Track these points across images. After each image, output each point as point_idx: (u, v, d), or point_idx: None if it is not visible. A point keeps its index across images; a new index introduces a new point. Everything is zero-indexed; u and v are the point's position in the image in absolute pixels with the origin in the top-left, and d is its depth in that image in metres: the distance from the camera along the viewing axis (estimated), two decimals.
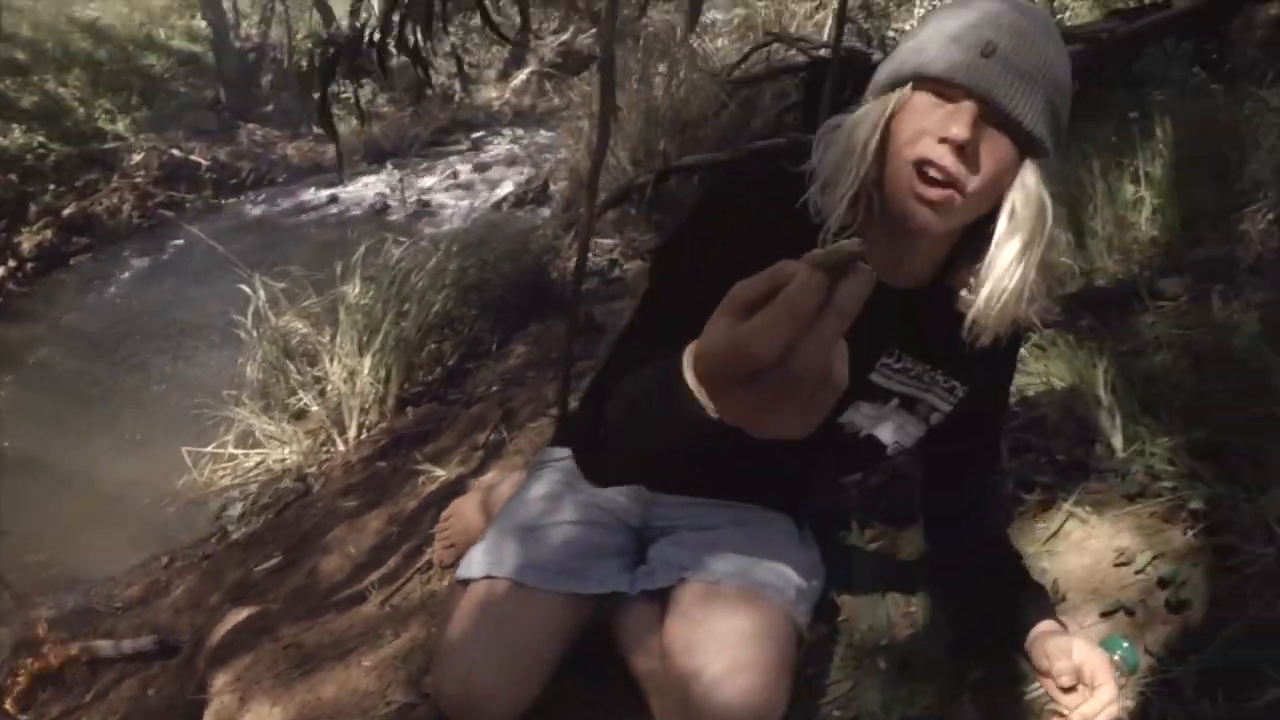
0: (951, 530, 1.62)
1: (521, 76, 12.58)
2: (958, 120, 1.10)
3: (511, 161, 10.14)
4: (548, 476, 1.73)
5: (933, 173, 1.13)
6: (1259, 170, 2.83)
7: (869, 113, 1.20)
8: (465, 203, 9.12)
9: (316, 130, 11.92)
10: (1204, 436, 1.83)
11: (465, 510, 2.29)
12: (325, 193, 10.17)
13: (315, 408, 4.13)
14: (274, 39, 13.17)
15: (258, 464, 4.09)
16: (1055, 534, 1.74)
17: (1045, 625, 1.41)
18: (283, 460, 4.01)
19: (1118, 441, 1.89)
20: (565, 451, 1.76)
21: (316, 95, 2.25)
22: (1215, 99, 3.51)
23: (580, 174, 6.65)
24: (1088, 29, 4.77)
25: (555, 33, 12.51)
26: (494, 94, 12.79)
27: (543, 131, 10.84)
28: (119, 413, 5.78)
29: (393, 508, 3.06)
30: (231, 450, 4.14)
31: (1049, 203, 1.19)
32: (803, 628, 1.52)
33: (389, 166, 10.55)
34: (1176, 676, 1.37)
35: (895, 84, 1.19)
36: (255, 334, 4.42)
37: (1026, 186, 1.18)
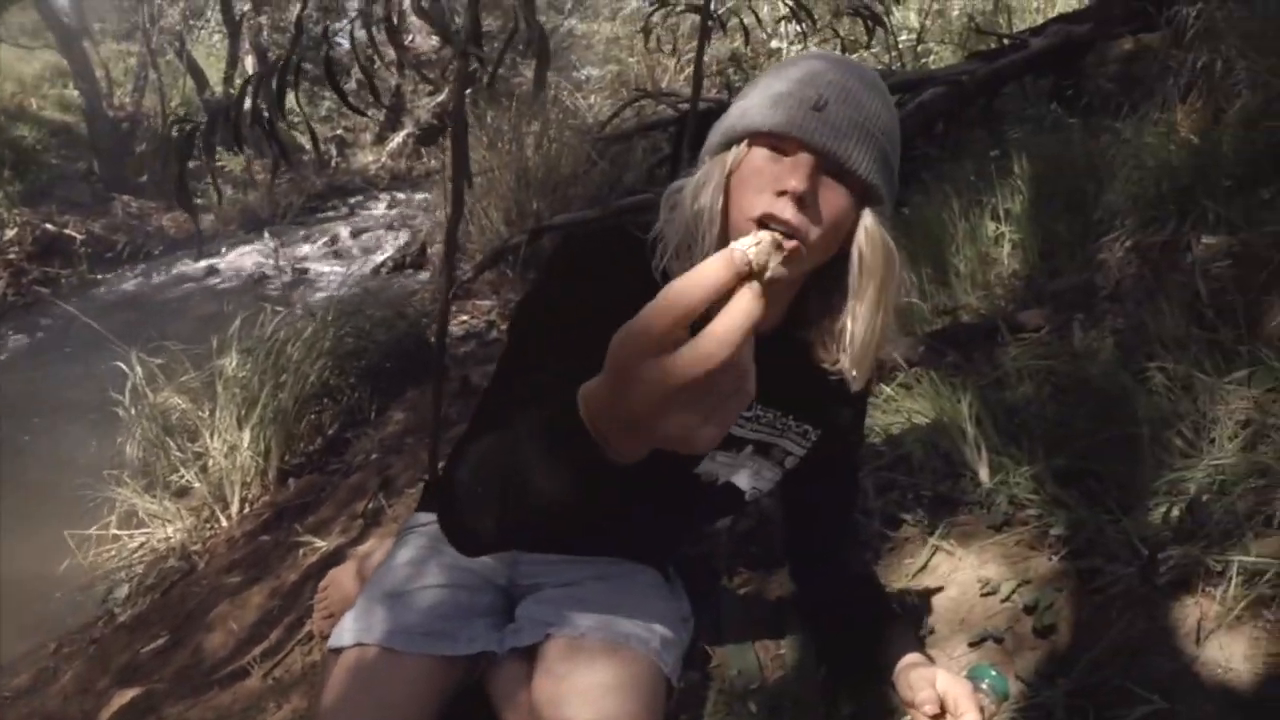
0: (816, 570, 1.62)
1: (397, 140, 12.52)
2: (795, 173, 1.12)
3: (389, 226, 10.12)
4: (413, 542, 1.70)
5: (775, 226, 1.13)
6: (1115, 200, 2.92)
7: (709, 173, 1.21)
8: (343, 269, 8.99)
9: (194, 200, 11.69)
10: (1066, 463, 1.86)
11: (342, 580, 2.24)
12: (203, 264, 9.96)
13: (197, 484, 4.03)
14: (148, 107, 12.89)
15: (142, 544, 3.95)
16: (923, 568, 1.74)
17: (911, 658, 1.40)
18: (167, 539, 3.89)
19: (983, 473, 1.90)
20: (431, 516, 1.72)
21: (174, 173, 2.15)
22: (1071, 133, 3.61)
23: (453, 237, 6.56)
24: (949, 72, 4.89)
25: (431, 94, 12.47)
26: (370, 158, 12.75)
27: (419, 194, 10.81)
28: None
29: (275, 581, 3.01)
30: (115, 531, 3.99)
31: (893, 246, 1.21)
32: (671, 677, 1.49)
33: (266, 235, 10.36)
34: (1046, 700, 1.38)
35: (730, 142, 1.20)
36: (133, 412, 4.31)
37: (870, 233, 1.19)
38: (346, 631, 1.53)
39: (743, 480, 1.47)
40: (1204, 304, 2.32)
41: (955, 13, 8.49)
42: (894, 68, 6.29)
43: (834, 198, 1.15)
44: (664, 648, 1.49)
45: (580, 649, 1.44)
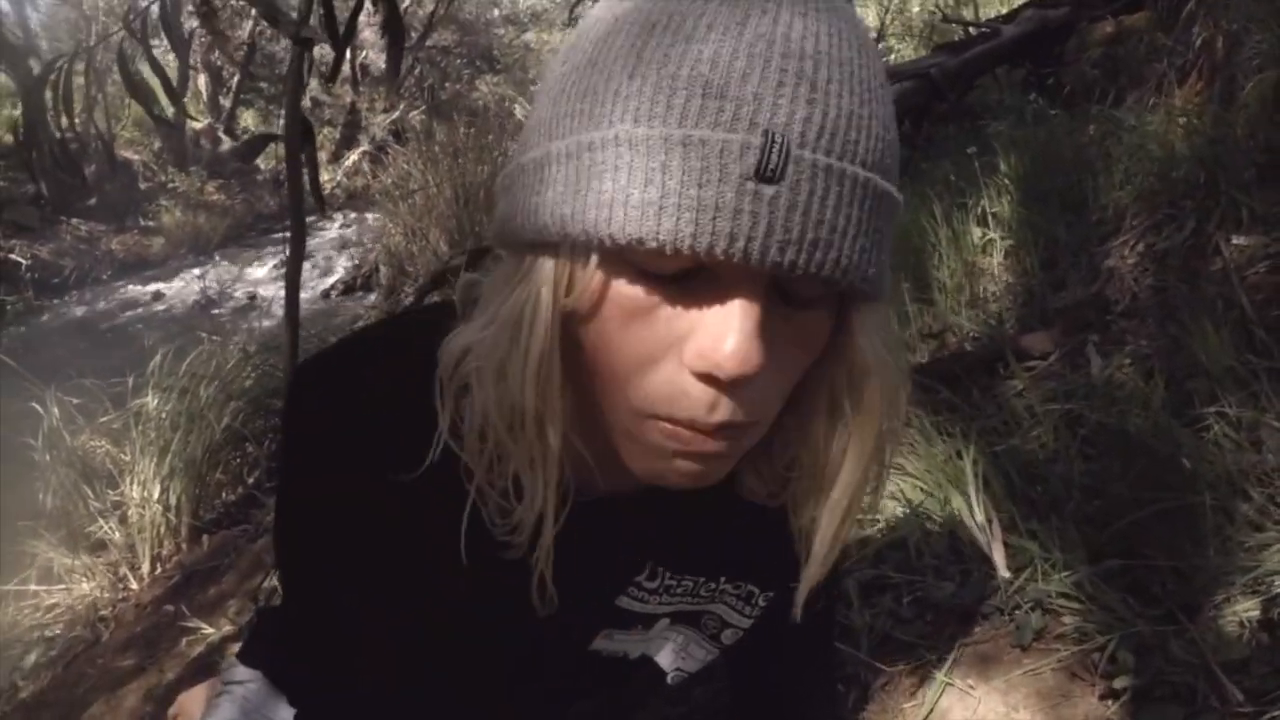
0: None
1: (352, 158, 12.17)
2: (731, 335, 0.55)
3: (342, 246, 9.69)
4: (225, 710, 1.22)
5: (698, 428, 0.59)
6: (1119, 197, 2.48)
7: (521, 318, 0.60)
8: None
9: (143, 222, 11.39)
10: (1110, 546, 1.39)
11: (191, 710, 1.79)
12: (149, 289, 9.70)
13: (116, 537, 3.68)
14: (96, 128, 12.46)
15: (58, 602, 3.63)
16: (928, 716, 1.26)
17: None
18: (85, 596, 3.56)
19: (1000, 566, 1.43)
20: (251, 674, 1.23)
21: None
22: (1056, 125, 3.21)
23: (399, 256, 6.25)
24: (914, 66, 4.59)
25: (385, 111, 12.11)
26: (325, 176, 12.31)
27: (372, 214, 10.38)
28: None
29: (156, 676, 2.72)
30: (33, 587, 3.68)
31: (896, 366, 0.64)
32: None
33: (216, 258, 10.11)
34: None
35: (552, 238, 0.57)
36: (48, 457, 3.99)
37: (858, 361, 0.62)
38: None
39: (664, 658, 0.95)
40: (1253, 322, 1.86)
41: (916, 8, 8.15)
42: None
43: (802, 332, 0.60)
44: None
45: None
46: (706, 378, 0.56)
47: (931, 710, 1.26)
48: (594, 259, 0.56)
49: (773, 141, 0.51)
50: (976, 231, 2.66)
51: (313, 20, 1.70)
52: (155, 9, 2.01)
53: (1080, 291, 2.32)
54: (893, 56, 6.35)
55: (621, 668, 0.94)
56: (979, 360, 2.11)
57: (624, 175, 0.53)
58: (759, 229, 0.52)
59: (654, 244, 0.52)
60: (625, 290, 0.57)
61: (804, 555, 0.70)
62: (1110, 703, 1.16)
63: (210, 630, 2.77)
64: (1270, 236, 2.11)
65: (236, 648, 1.85)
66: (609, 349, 0.59)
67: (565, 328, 0.59)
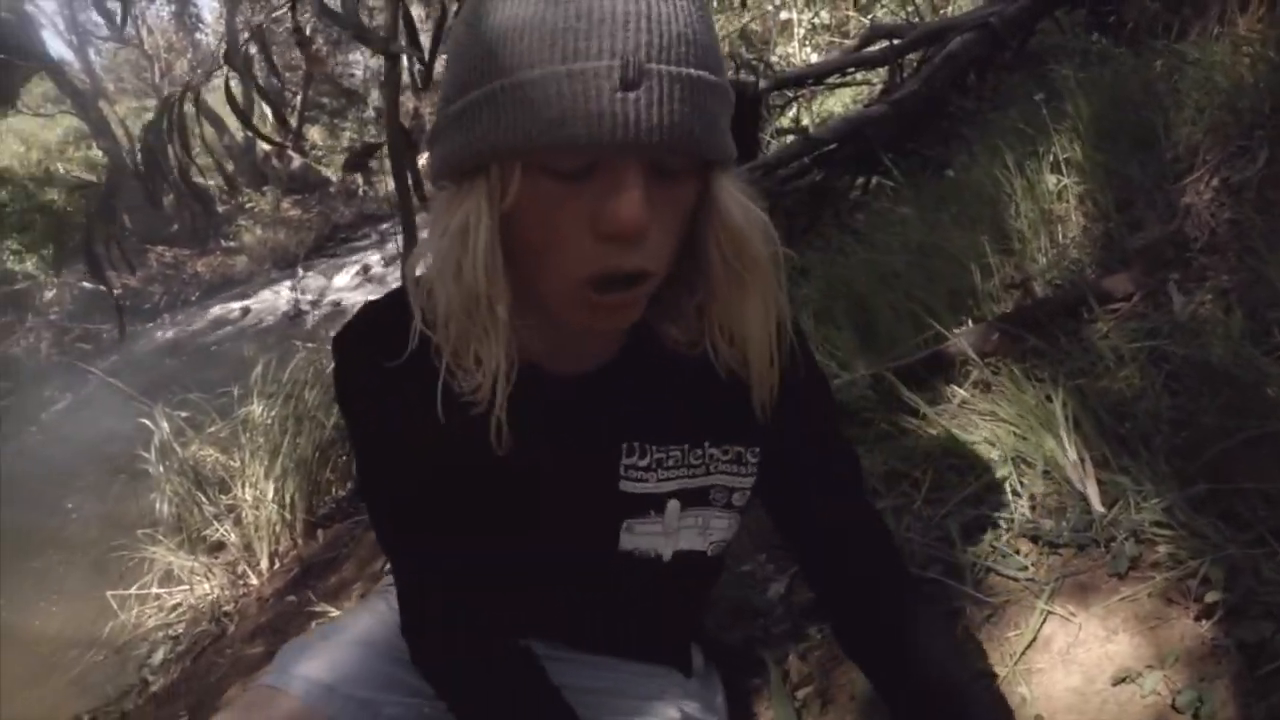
0: (862, 630, 1.15)
1: (423, 160, 12.25)
2: (619, 199, 0.77)
3: None
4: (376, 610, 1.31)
5: (614, 282, 0.83)
6: (1191, 133, 2.49)
7: (465, 225, 0.82)
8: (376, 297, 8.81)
9: (225, 243, 11.69)
10: (1199, 476, 1.45)
11: None
12: (237, 305, 10.00)
13: (232, 538, 3.90)
14: (171, 157, 12.80)
15: (179, 603, 3.87)
16: (1032, 643, 1.34)
17: None
18: (206, 595, 3.79)
19: (1094, 499, 1.50)
20: None
21: (85, 240, 1.85)
22: (1122, 63, 3.19)
23: None
24: (974, 17, 4.55)
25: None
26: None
27: None
28: (43, 559, 5.61)
29: None
30: (155, 590, 3.91)
31: (755, 209, 0.88)
32: None
33: (299, 271, 10.33)
34: None
35: (481, 164, 0.81)
36: (161, 468, 4.24)
37: (726, 215, 0.86)
38: (270, 671, 1.21)
39: (693, 542, 1.10)
40: None
41: None
42: (913, 20, 5.86)
43: (674, 194, 0.83)
44: None
45: None
46: (611, 238, 0.79)
47: (1035, 638, 1.34)
48: (517, 170, 0.78)
49: (627, 62, 0.74)
50: (1051, 179, 2.69)
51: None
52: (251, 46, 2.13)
53: (1158, 230, 2.34)
54: (949, 9, 6.26)
55: (658, 565, 1.10)
56: (1061, 305, 2.16)
57: (531, 106, 0.75)
58: (629, 123, 0.74)
59: (560, 147, 0.76)
60: (543, 188, 0.79)
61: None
62: (1204, 622, 1.23)
63: (337, 612, 2.84)
64: None
65: None
66: (536, 237, 0.81)
67: (501, 229, 0.82)
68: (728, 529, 1.12)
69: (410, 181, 1.90)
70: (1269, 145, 2.28)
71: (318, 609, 2.91)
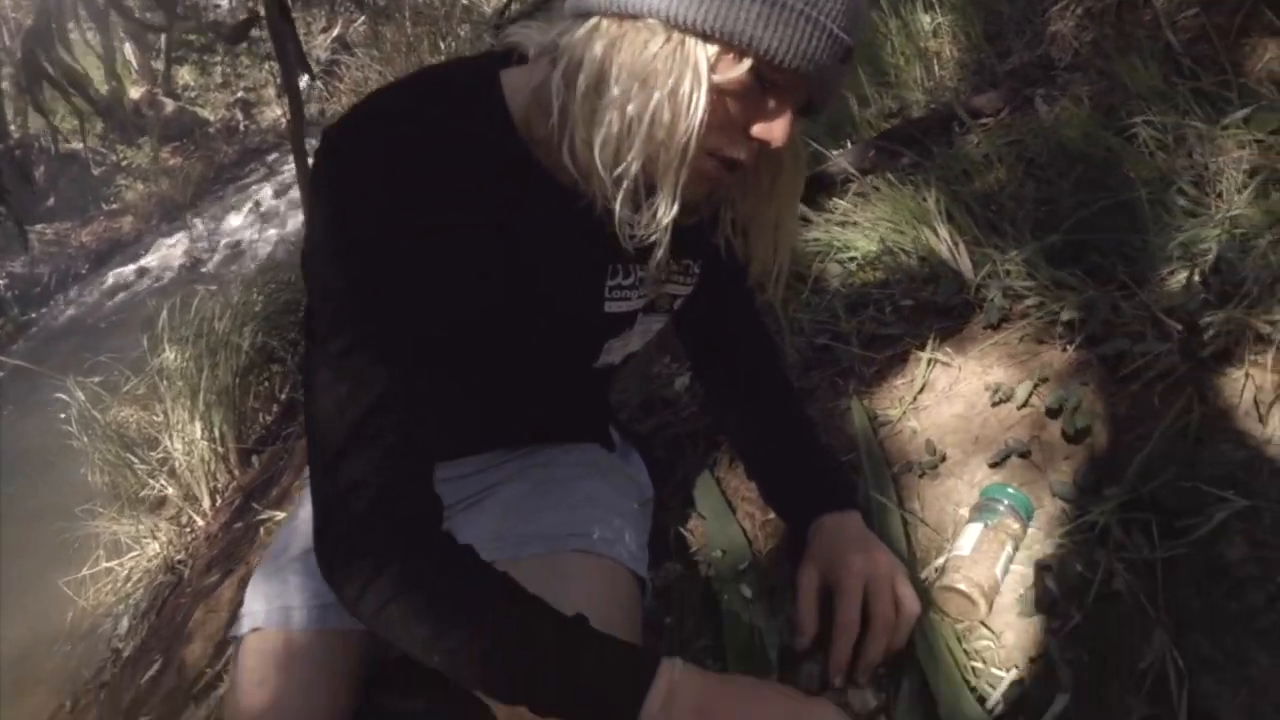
0: (730, 399, 1.36)
1: (303, 85, 11.86)
2: (780, 121, 0.92)
3: None
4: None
5: (738, 166, 0.95)
6: None
7: (682, 74, 0.86)
8: (274, 231, 8.78)
9: (107, 206, 11.13)
10: (1059, 240, 1.58)
11: None
12: (131, 267, 9.55)
13: (170, 490, 3.84)
14: (34, 129, 11.94)
15: (132, 569, 3.76)
16: (922, 388, 1.46)
17: (828, 522, 1.18)
18: (158, 554, 3.69)
19: (966, 268, 1.62)
20: None
21: None
22: None
23: None
24: None
25: (324, 30, 11.76)
26: (278, 111, 12.05)
27: None
28: None
29: (244, 569, 2.82)
30: (106, 565, 3.80)
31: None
32: (636, 569, 1.21)
33: (189, 219, 9.95)
34: (1097, 518, 1.10)
35: (713, 40, 0.85)
36: (86, 438, 4.13)
37: (796, 147, 1.05)
38: (245, 616, 1.28)
39: (637, 344, 1.23)
40: (1180, 54, 2.03)
41: None
42: None
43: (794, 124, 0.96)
44: (625, 544, 1.21)
45: (517, 572, 1.03)
46: (758, 139, 0.92)
47: (924, 385, 1.46)
48: (748, 62, 0.86)
49: (850, 35, 0.88)
50: (925, 19, 2.79)
51: None
52: None
53: (1026, 55, 2.47)
54: None
55: (611, 372, 1.28)
56: (935, 122, 2.28)
57: (792, 29, 0.85)
58: (832, 85, 0.92)
59: (793, 72, 0.87)
60: (743, 83, 0.88)
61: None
62: (1069, 349, 1.36)
63: (285, 514, 2.78)
64: None
65: None
66: (713, 113, 0.88)
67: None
68: (654, 333, 1.22)
69: (295, 55, 1.88)
70: None
71: (264, 516, 2.94)
